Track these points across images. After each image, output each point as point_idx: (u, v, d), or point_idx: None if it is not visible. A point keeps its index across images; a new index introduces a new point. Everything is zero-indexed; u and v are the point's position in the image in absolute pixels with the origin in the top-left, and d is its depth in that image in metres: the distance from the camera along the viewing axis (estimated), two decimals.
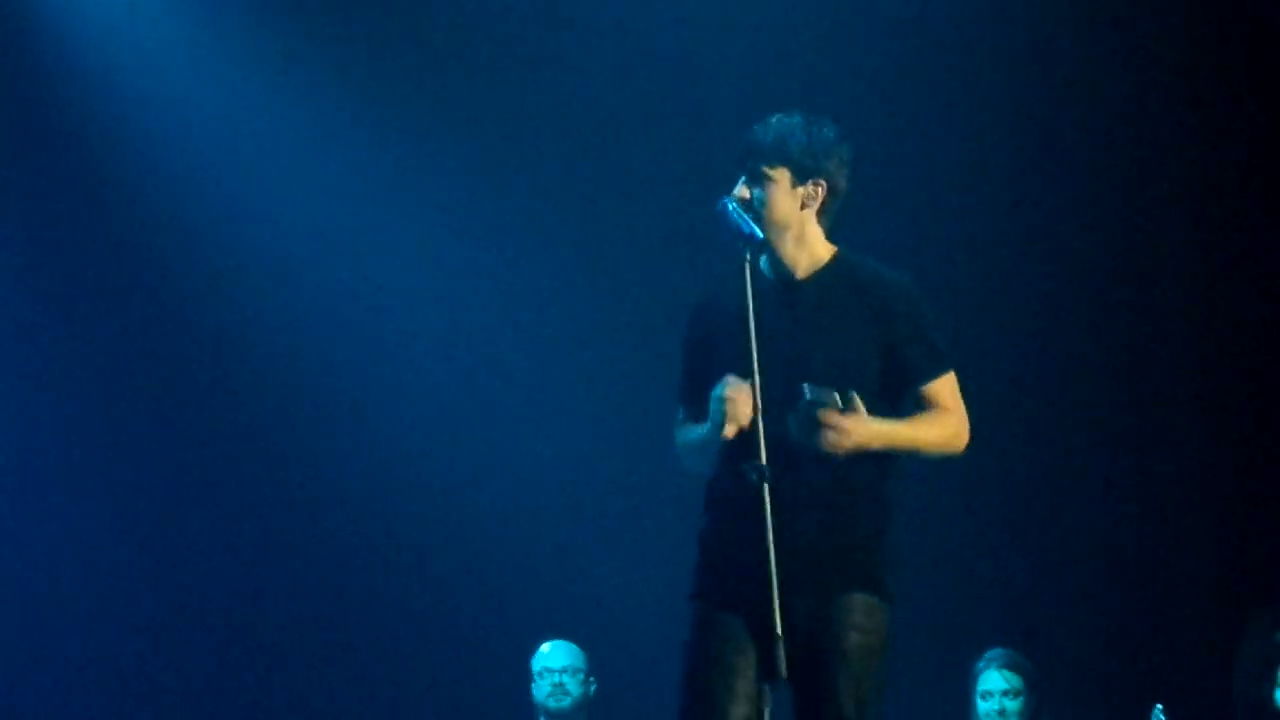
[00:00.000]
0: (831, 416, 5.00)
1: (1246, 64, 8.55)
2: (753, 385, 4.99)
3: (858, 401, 5.05)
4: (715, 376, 5.15)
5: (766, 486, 4.91)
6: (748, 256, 5.10)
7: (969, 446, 5.28)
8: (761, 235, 5.12)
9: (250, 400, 9.02)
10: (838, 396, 5.01)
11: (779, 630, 4.88)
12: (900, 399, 5.23)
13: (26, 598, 8.78)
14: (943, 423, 5.22)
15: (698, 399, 5.21)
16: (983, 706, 7.81)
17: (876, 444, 5.09)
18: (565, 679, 8.01)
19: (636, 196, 8.85)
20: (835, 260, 5.29)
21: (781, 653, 4.88)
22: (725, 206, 5.17)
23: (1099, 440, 8.74)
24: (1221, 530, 8.47)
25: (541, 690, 8.02)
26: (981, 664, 7.86)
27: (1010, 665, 7.81)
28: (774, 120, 5.27)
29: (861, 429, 5.04)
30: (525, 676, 8.09)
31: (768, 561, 4.89)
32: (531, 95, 8.91)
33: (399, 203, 8.98)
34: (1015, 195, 8.77)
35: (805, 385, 5.01)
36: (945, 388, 5.24)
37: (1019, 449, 8.62)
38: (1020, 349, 8.74)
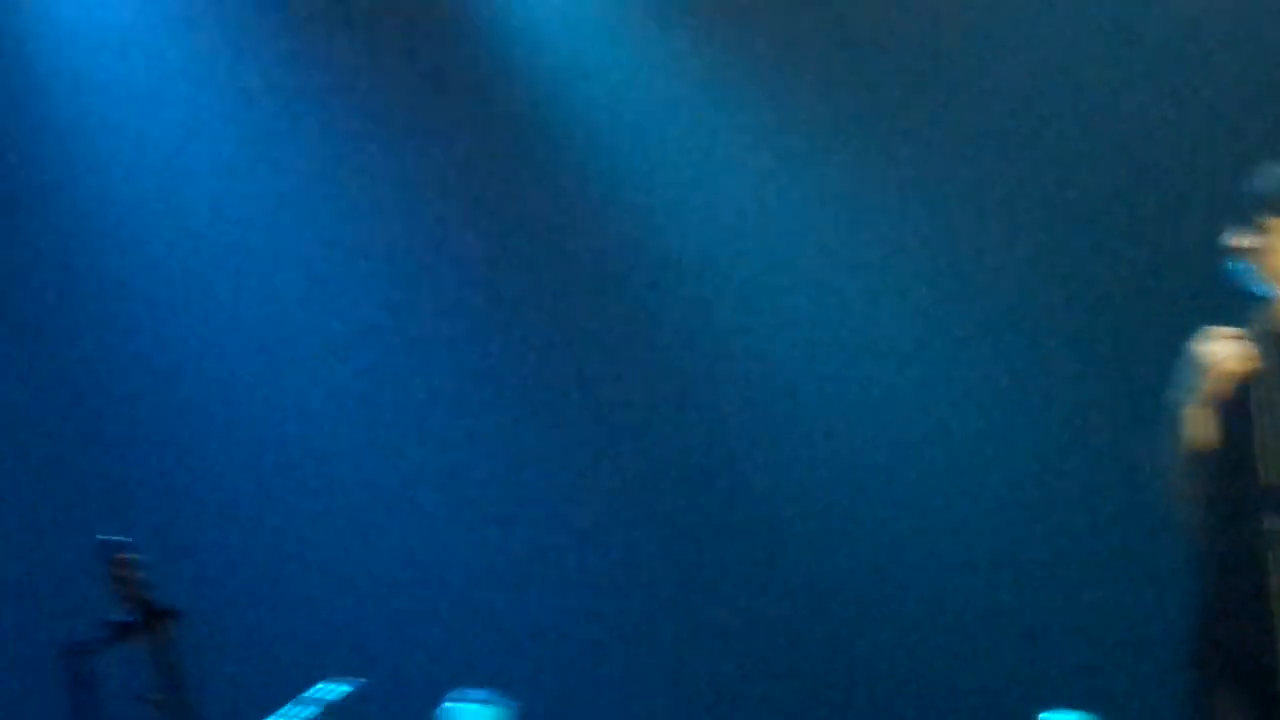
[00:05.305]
0: None
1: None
2: (1260, 449, 5.04)
3: None
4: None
5: None
6: (1266, 317, 5.18)
7: None
8: (1276, 295, 5.19)
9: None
10: None
11: None
12: None
13: None
14: None
15: None
16: None
17: None
18: None
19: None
20: None
21: None
22: (1235, 268, 5.22)
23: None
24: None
25: None
26: None
27: None
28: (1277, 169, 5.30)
29: None
30: None
31: None
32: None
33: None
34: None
35: None
36: None
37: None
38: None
